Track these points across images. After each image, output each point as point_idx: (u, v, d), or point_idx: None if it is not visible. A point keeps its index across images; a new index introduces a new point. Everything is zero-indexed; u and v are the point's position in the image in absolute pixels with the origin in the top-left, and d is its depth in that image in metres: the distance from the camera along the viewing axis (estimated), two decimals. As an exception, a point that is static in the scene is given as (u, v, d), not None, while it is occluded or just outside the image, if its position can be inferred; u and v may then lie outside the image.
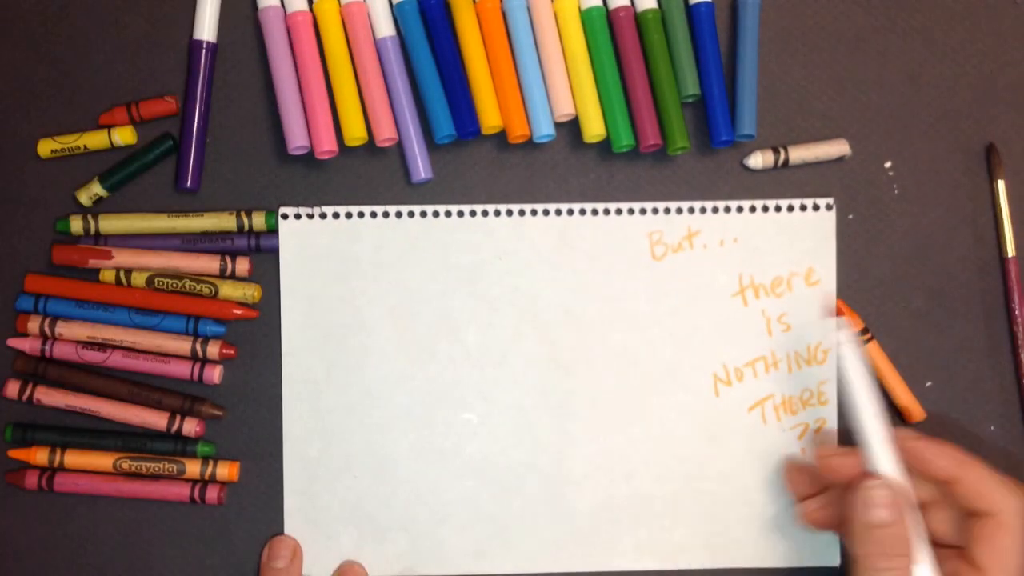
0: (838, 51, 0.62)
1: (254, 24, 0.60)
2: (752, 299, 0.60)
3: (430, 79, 0.59)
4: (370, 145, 0.60)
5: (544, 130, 0.59)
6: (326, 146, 0.59)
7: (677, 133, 0.59)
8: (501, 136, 0.61)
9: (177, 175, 0.59)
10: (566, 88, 0.59)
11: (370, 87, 0.59)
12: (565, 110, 0.59)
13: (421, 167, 0.59)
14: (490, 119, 0.59)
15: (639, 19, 0.60)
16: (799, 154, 0.60)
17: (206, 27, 0.59)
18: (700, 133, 0.61)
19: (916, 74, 0.62)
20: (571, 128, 0.61)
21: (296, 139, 0.58)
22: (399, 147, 0.60)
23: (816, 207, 0.61)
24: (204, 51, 0.59)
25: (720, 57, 0.60)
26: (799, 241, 0.61)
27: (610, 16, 0.60)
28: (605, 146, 0.61)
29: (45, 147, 0.59)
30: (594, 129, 0.59)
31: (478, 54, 0.59)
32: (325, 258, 0.60)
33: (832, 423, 0.61)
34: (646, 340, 0.60)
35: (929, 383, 0.61)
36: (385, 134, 0.59)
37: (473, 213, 0.60)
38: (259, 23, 0.60)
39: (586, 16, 0.60)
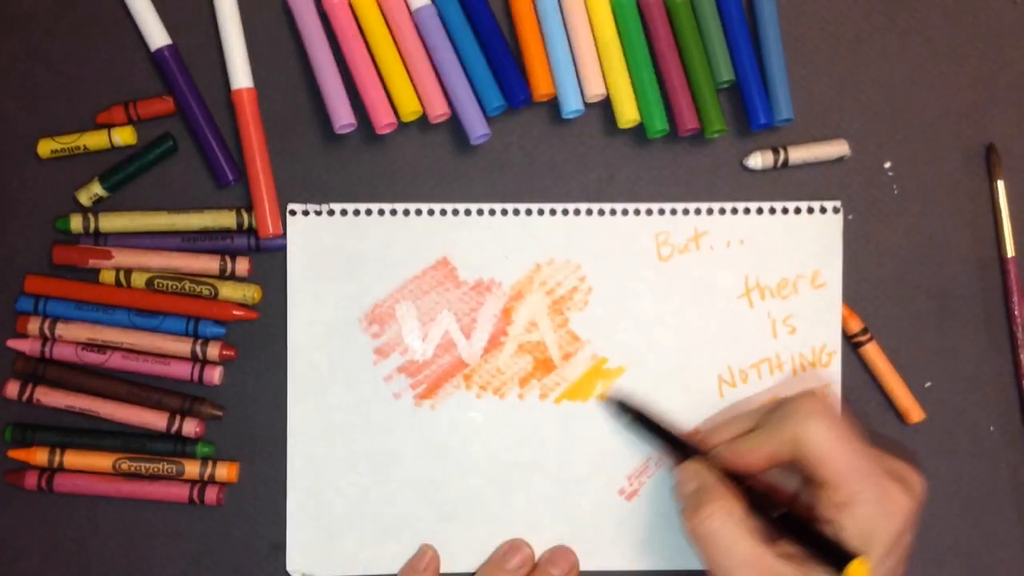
0: (838, 51, 0.62)
1: (253, 22, 0.60)
2: (758, 301, 0.60)
3: (473, 51, 0.59)
4: (366, 137, 0.60)
5: (573, 105, 0.59)
6: (384, 120, 0.58)
7: (714, 116, 0.59)
8: (507, 135, 0.60)
9: (215, 174, 0.59)
10: (597, 70, 0.59)
11: (414, 62, 0.59)
12: (596, 91, 0.59)
13: (479, 125, 0.59)
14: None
15: (668, 6, 0.60)
16: (799, 154, 0.60)
17: (156, 33, 0.59)
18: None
19: (916, 74, 0.62)
20: (576, 128, 0.61)
21: (342, 117, 0.58)
22: (412, 139, 0.60)
23: (823, 210, 0.61)
24: (167, 56, 0.59)
25: (751, 41, 0.60)
26: (806, 244, 0.61)
27: (640, 4, 0.60)
28: (610, 145, 0.61)
29: (45, 147, 0.59)
30: (628, 114, 0.59)
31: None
32: (332, 255, 0.60)
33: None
34: (651, 340, 0.60)
35: (929, 383, 0.61)
36: (438, 111, 0.59)
37: (480, 212, 0.60)
38: (288, 9, 0.60)
39: (616, 4, 0.60)
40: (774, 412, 0.54)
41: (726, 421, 0.58)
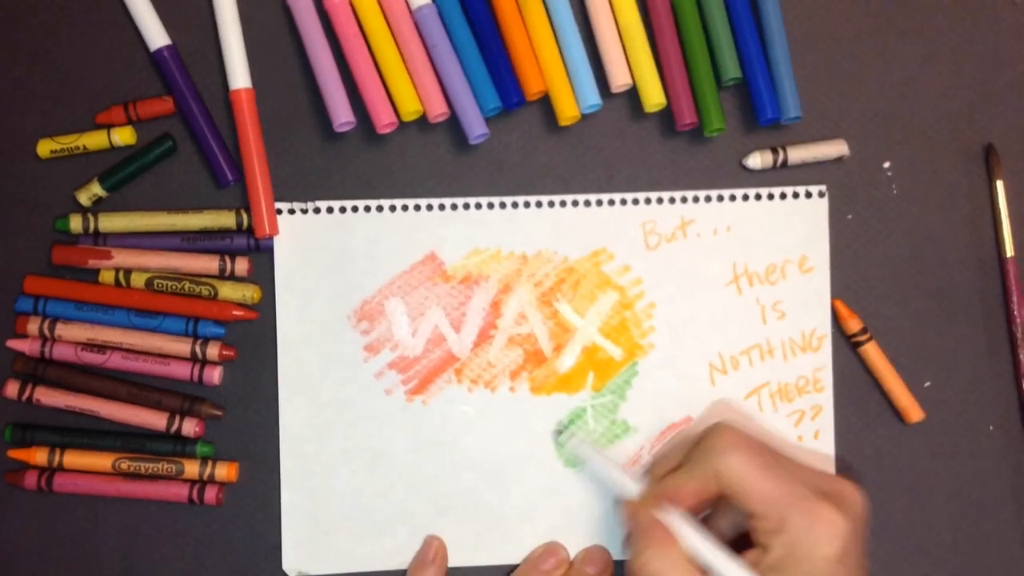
0: (838, 51, 0.62)
1: (253, 22, 0.60)
2: (746, 287, 0.61)
3: (470, 52, 0.59)
4: (365, 137, 0.60)
5: (591, 100, 0.59)
6: (385, 119, 0.59)
7: (714, 114, 0.59)
8: (506, 135, 0.61)
9: (215, 174, 0.59)
10: (622, 58, 0.60)
11: (414, 61, 0.59)
12: (622, 80, 0.59)
13: (477, 125, 0.59)
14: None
15: (674, 2, 0.60)
16: (798, 154, 0.60)
17: (156, 33, 0.59)
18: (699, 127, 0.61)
19: (915, 74, 0.62)
20: (576, 128, 0.61)
21: (341, 115, 0.58)
22: (412, 138, 0.60)
23: (808, 194, 0.61)
24: (167, 56, 0.59)
25: (759, 37, 0.60)
26: (792, 229, 0.61)
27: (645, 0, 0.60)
28: (609, 145, 0.61)
29: (45, 147, 0.59)
30: (654, 98, 0.59)
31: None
32: (320, 252, 0.60)
33: (828, 409, 0.61)
34: (641, 330, 0.60)
35: (928, 383, 0.61)
36: (438, 110, 0.59)
37: (467, 206, 0.60)
38: (287, 9, 0.60)
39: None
40: (695, 448, 0.54)
41: (663, 454, 0.58)
